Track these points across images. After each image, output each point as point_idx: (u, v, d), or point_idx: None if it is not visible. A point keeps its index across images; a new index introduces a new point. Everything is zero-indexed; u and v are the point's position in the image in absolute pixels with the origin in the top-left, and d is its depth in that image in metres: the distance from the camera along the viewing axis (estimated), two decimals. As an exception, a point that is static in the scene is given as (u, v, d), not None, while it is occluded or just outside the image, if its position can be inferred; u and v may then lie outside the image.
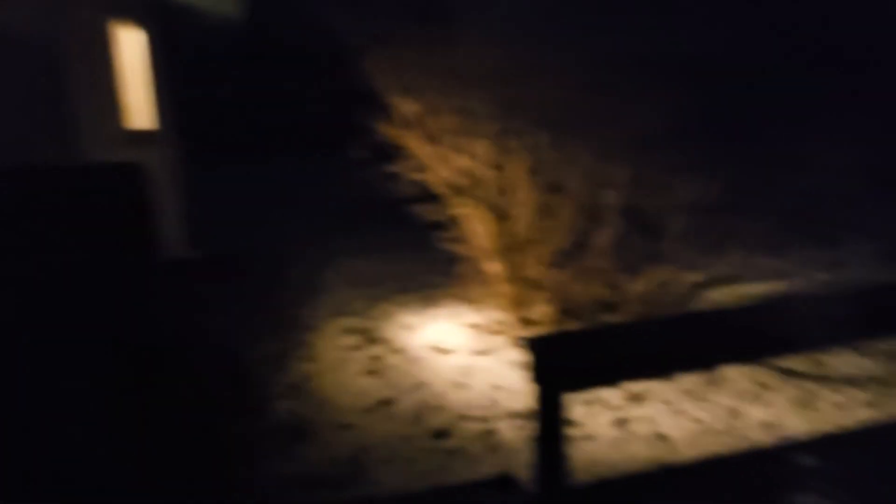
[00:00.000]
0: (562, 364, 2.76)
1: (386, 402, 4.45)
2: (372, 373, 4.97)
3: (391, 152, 5.72)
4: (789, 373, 4.74)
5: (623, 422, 4.08)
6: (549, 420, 2.67)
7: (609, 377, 3.06)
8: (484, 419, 4.16)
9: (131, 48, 5.13)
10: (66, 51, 3.45)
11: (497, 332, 5.56)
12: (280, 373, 5.09)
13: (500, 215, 5.52)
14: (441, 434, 4.01)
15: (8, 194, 1.48)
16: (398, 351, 5.36)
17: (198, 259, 6.56)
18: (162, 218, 5.59)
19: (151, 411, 4.02)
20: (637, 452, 3.77)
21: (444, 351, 5.27)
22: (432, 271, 6.96)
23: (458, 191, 5.60)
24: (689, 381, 4.61)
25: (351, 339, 5.70)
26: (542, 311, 5.72)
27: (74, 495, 2.69)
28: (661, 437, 3.90)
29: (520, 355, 5.09)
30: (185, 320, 5.73)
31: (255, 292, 7.20)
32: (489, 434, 3.99)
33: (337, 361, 5.24)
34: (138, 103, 5.16)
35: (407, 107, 5.64)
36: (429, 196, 5.64)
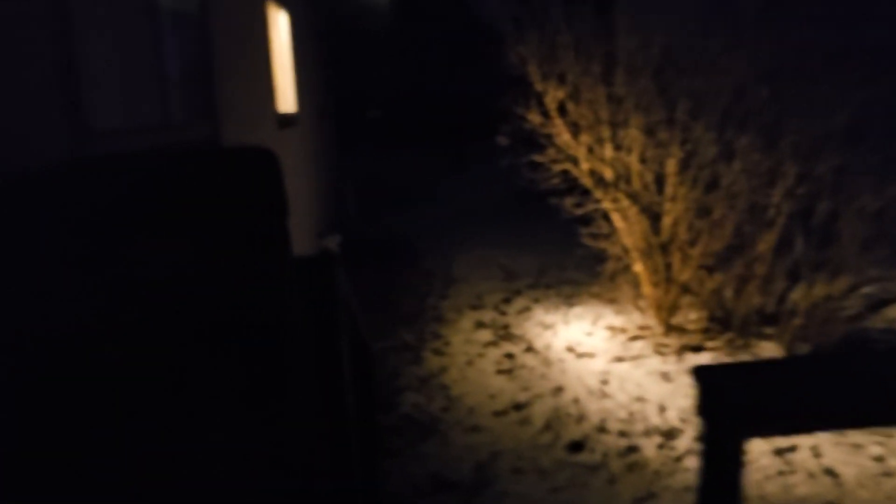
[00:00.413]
0: (748, 404, 2.25)
1: (518, 406, 4.22)
2: (505, 372, 4.75)
3: (538, 141, 5.46)
4: None
5: (784, 451, 3.63)
6: (723, 468, 2.22)
7: (810, 423, 2.46)
8: (624, 434, 3.83)
9: (280, 30, 5.17)
10: (221, 27, 3.44)
11: (640, 338, 5.18)
12: (411, 365, 4.98)
13: (651, 212, 5.13)
14: (576, 447, 3.73)
15: (124, 183, 1.34)
16: (534, 350, 5.11)
17: (339, 244, 6.60)
18: (302, 203, 5.63)
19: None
20: (800, 490, 3.33)
21: (582, 354, 4.97)
22: (574, 267, 6.64)
23: (606, 184, 5.25)
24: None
25: (485, 334, 5.51)
26: (690, 317, 5.28)
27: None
28: (831, 474, 3.42)
29: (664, 364, 4.71)
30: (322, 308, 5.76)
31: (388, 281, 7.17)
32: (629, 451, 3.66)
33: (469, 357, 5.07)
34: (286, 85, 5.20)
35: (557, 94, 5.35)
36: (575, 188, 5.33)
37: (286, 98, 5.09)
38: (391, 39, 15.67)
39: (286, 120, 4.94)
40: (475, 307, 6.21)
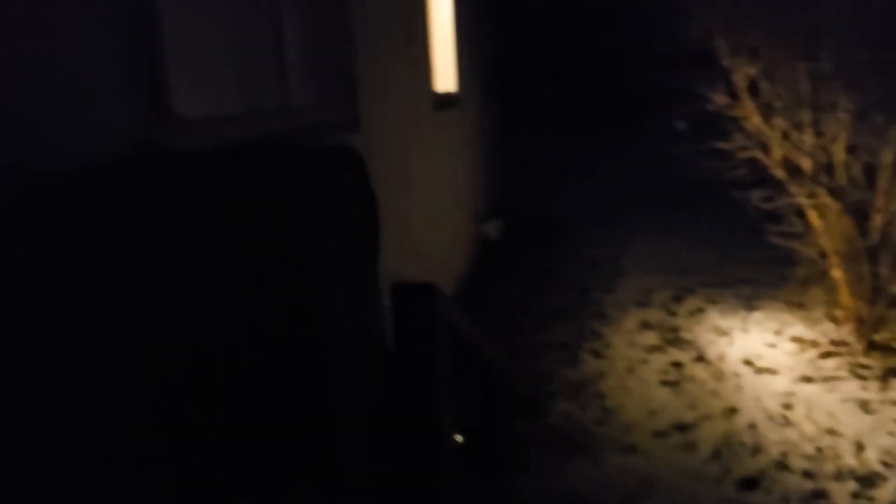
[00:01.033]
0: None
1: (682, 427, 3.74)
2: (670, 384, 4.26)
3: (720, 125, 4.84)
4: None
5: None
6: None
7: None
8: (809, 475, 3.26)
9: (441, 6, 4.93)
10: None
11: (834, 355, 4.47)
12: (566, 367, 4.61)
13: (857, 210, 4.38)
14: (749, 484, 3.21)
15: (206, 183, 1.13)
16: (705, 360, 4.56)
17: (499, 230, 6.32)
18: (460, 188, 5.39)
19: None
20: None
21: (762, 369, 4.36)
22: (756, 268, 5.93)
23: (803, 176, 4.55)
24: None
25: (650, 337, 5.01)
26: (899, 336, 4.49)
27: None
28: None
29: (864, 390, 4.01)
30: (475, 295, 5.53)
31: (549, 270, 6.80)
32: (815, 498, 3.10)
33: (631, 362, 4.61)
34: (446, 62, 4.96)
35: (747, 70, 4.70)
36: (763, 180, 4.67)
37: (445, 76, 4.86)
38: (558, 13, 15.07)
39: (444, 100, 4.70)
40: (641, 304, 5.71)
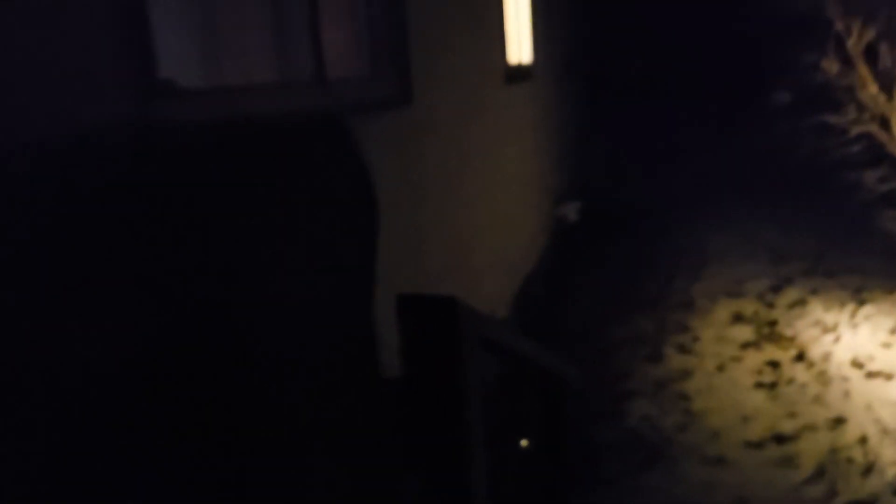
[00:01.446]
0: None
1: (780, 438, 3.30)
2: (766, 387, 3.82)
3: (830, 96, 4.30)
4: None
5: None
6: None
7: None
8: (933, 502, 2.79)
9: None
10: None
11: (962, 358, 3.92)
12: (647, 363, 4.22)
13: None
14: (859, 511, 2.78)
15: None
16: (807, 360, 4.08)
17: (578, 212, 5.92)
18: (533, 168, 5.04)
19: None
20: None
21: (874, 373, 3.85)
22: (866, 256, 5.33)
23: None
24: None
25: (743, 332, 4.55)
26: None
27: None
28: None
29: None
30: (554, 283, 5.17)
31: (632, 255, 6.36)
32: (941, 531, 2.64)
33: (721, 360, 4.18)
34: (521, 32, 4.58)
35: (864, 34, 4.14)
36: (881, 159, 4.13)
37: (520, 46, 4.48)
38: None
39: (517, 73, 4.34)
40: (733, 295, 5.21)
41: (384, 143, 2.13)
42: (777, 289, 5.22)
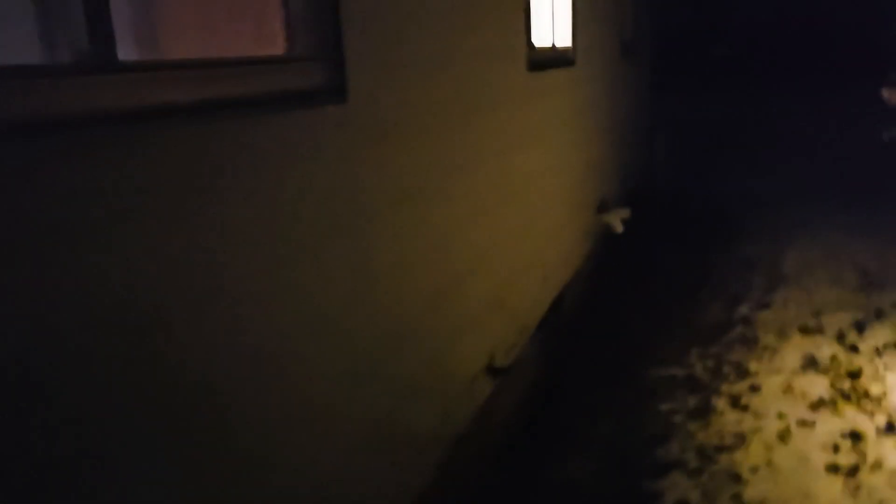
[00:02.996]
0: None
1: (859, 559, 2.47)
2: (843, 472, 2.96)
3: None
4: None
5: None
6: None
7: None
8: None
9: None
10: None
11: None
12: (692, 420, 3.41)
13: None
14: None
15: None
16: (898, 434, 3.20)
17: (625, 221, 5.09)
18: (569, 170, 4.22)
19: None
20: None
21: None
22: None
23: None
24: None
25: (816, 383, 3.68)
26: None
27: None
28: None
29: None
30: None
31: (696, 268, 5.48)
32: None
33: (785, 423, 3.33)
34: (555, 9, 3.75)
35: None
36: None
37: (553, 27, 3.67)
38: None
39: (549, 58, 3.53)
40: (808, 330, 4.32)
41: (262, 161, 1.40)
42: (863, 326, 4.31)
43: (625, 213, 5.07)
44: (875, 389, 3.57)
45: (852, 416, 3.34)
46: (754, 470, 2.98)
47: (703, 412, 3.47)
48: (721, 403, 3.55)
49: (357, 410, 1.84)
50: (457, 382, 2.60)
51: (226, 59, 1.43)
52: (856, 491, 2.80)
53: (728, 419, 3.41)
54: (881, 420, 3.29)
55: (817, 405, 3.46)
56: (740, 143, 9.94)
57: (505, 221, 3.12)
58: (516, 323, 3.26)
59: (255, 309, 1.44)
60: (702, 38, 13.21)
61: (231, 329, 1.37)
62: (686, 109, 9.09)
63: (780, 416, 3.38)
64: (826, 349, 4.04)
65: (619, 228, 5.00)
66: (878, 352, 3.97)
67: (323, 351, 1.69)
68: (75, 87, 1.09)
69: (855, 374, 3.73)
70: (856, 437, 3.17)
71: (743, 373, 3.85)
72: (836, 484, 2.86)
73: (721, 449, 3.16)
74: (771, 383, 3.72)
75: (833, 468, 2.95)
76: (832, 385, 3.64)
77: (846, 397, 3.51)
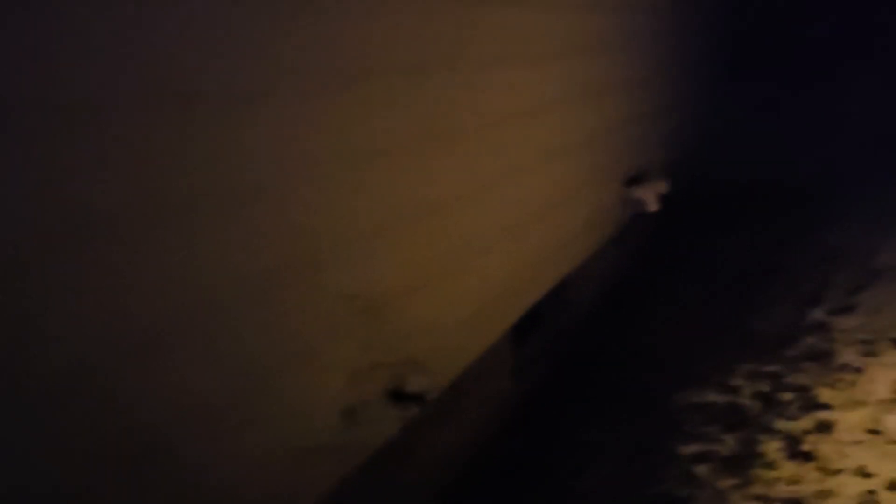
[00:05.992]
0: None
1: None
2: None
3: None
4: None
5: None
6: None
7: None
8: None
9: None
10: None
11: None
12: (728, 473, 2.34)
13: None
14: None
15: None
16: None
17: (660, 197, 3.99)
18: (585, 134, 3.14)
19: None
20: None
21: None
22: None
23: None
24: None
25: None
26: None
27: None
28: None
29: None
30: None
31: (749, 260, 4.32)
32: None
33: (864, 487, 2.22)
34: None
35: None
36: None
37: None
38: None
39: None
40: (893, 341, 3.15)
41: None
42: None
43: (661, 186, 3.98)
44: None
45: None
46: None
47: (744, 461, 2.40)
48: (773, 449, 2.46)
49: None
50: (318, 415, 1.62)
51: None
52: None
53: (781, 474, 2.32)
54: None
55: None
56: (815, 106, 8.53)
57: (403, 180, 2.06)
58: (454, 330, 2.22)
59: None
60: (797, 18, 11.73)
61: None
62: (752, 58, 7.87)
63: (860, 475, 2.26)
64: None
65: (654, 206, 3.91)
66: None
67: None
68: None
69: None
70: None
71: (810, 403, 2.73)
72: None
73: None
74: (850, 420, 2.59)
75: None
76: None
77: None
